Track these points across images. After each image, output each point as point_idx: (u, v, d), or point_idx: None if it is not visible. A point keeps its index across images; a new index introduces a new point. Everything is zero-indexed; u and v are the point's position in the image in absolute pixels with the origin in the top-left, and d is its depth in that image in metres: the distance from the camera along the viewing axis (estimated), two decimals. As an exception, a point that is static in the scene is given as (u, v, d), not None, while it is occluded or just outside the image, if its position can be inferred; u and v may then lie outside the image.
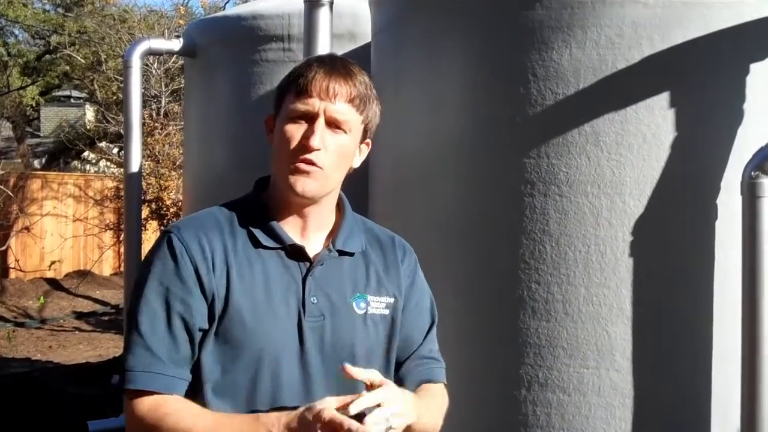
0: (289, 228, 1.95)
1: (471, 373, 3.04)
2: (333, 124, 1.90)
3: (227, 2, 20.44)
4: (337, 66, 1.94)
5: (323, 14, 3.43)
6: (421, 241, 3.22)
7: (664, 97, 2.82)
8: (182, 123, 10.01)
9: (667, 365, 2.85)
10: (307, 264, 1.94)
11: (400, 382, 2.04)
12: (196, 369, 1.86)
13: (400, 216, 3.38)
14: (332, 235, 2.00)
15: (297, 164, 1.87)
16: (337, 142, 1.90)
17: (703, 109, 2.85)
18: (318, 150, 1.86)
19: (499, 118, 3.04)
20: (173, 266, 1.87)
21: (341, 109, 1.90)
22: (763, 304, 2.66)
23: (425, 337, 2.11)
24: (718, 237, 2.83)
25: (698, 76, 2.85)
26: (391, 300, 2.01)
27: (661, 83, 2.83)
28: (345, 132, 1.91)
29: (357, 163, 2.02)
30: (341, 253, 1.98)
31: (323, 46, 3.40)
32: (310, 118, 1.89)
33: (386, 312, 2.00)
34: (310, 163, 1.86)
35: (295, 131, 1.89)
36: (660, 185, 2.81)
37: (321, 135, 1.87)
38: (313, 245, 1.97)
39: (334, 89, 1.89)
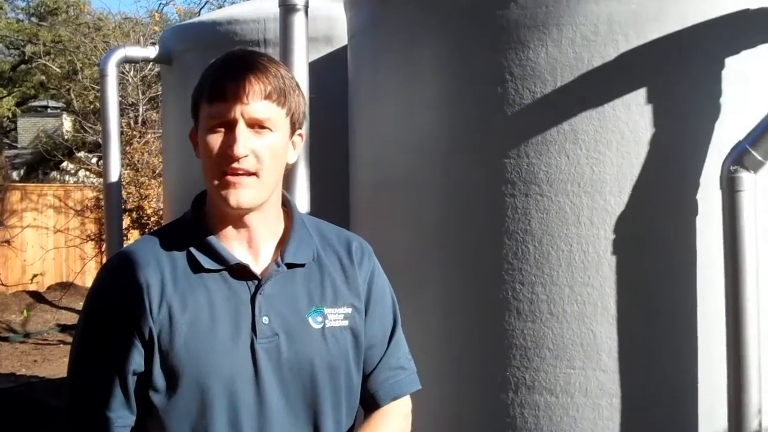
0: (235, 243, 1.84)
1: (457, 377, 3.04)
2: (255, 125, 1.77)
3: (202, 8, 20.42)
4: (246, 63, 1.81)
5: (298, 18, 3.41)
6: (403, 243, 3.23)
7: (641, 94, 2.81)
8: (160, 131, 9.97)
9: (653, 363, 2.84)
10: (256, 282, 1.82)
11: (371, 398, 1.97)
12: (149, 407, 1.77)
13: (381, 218, 3.36)
14: (281, 244, 1.88)
15: (226, 177, 1.75)
16: (263, 144, 1.78)
17: (680, 105, 2.84)
18: (244, 157, 1.75)
19: (478, 119, 3.03)
20: (102, 313, 1.80)
21: (259, 108, 1.77)
22: (746, 298, 2.66)
23: (390, 340, 2.00)
24: (699, 232, 2.82)
25: (674, 71, 2.85)
26: (349, 310, 1.89)
27: (638, 79, 2.82)
28: (270, 130, 1.79)
29: (292, 158, 1.91)
30: (291, 265, 1.86)
31: (299, 50, 3.38)
32: (229, 124, 1.76)
33: (345, 323, 1.88)
34: (239, 173, 1.75)
35: (217, 141, 1.77)
36: (640, 182, 2.81)
37: (244, 141, 1.75)
38: (263, 257, 1.86)
39: (246, 89, 1.76)
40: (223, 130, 1.77)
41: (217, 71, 1.81)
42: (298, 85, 1.88)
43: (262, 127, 1.78)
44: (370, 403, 1.98)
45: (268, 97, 1.78)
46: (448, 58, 3.15)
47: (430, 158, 3.18)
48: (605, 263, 2.81)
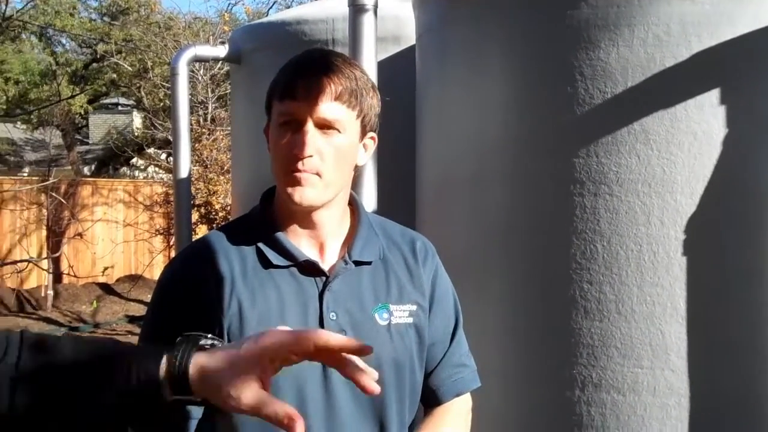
0: (302, 240, 1.86)
1: (524, 374, 3.04)
2: (324, 125, 1.77)
3: (270, 7, 20.62)
4: (319, 62, 1.81)
5: (368, 18, 3.43)
6: (469, 242, 3.24)
7: (714, 94, 2.79)
8: (229, 128, 10.10)
9: (723, 364, 2.82)
10: (324, 278, 1.83)
11: (433, 394, 1.99)
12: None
13: (448, 218, 3.38)
14: (348, 242, 1.90)
15: (291, 174, 1.77)
16: (331, 145, 1.78)
17: (754, 105, 2.81)
18: (309, 157, 1.75)
19: (547, 118, 3.03)
20: (171, 305, 1.82)
21: (329, 108, 1.77)
22: (820, 301, 2.62)
23: (452, 339, 2.02)
24: (772, 234, 2.79)
25: (748, 71, 2.82)
26: (414, 307, 1.90)
27: (711, 80, 2.79)
28: (338, 131, 1.79)
29: (362, 160, 1.91)
30: (358, 263, 1.87)
31: (368, 50, 3.41)
32: (297, 123, 1.77)
33: (410, 320, 1.89)
34: (304, 172, 1.76)
35: (285, 139, 1.78)
36: (712, 183, 2.78)
37: (311, 141, 1.75)
38: (330, 255, 1.87)
39: (317, 89, 1.76)
40: (292, 128, 1.78)
41: (291, 70, 1.82)
42: (373, 87, 1.88)
43: (330, 128, 1.78)
44: (431, 400, 2.00)
45: (338, 98, 1.78)
46: (518, 58, 3.15)
47: (497, 157, 3.18)
48: (675, 264, 2.79)
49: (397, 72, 4.27)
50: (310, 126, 1.76)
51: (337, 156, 1.80)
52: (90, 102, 23.82)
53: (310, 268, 1.83)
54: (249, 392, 1.27)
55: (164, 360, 1.32)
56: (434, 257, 2.02)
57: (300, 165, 1.76)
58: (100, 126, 25.80)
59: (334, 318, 1.81)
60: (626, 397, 2.81)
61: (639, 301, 2.81)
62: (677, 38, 2.80)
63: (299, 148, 1.75)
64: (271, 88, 1.86)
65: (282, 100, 1.80)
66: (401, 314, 1.89)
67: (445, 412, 2.01)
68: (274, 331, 1.34)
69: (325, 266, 1.85)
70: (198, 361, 1.32)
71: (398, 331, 1.88)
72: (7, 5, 9.57)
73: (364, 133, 1.89)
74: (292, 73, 1.81)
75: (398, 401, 1.88)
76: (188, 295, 1.80)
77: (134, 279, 16.04)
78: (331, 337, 1.32)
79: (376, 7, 3.43)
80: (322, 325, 1.79)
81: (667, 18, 2.80)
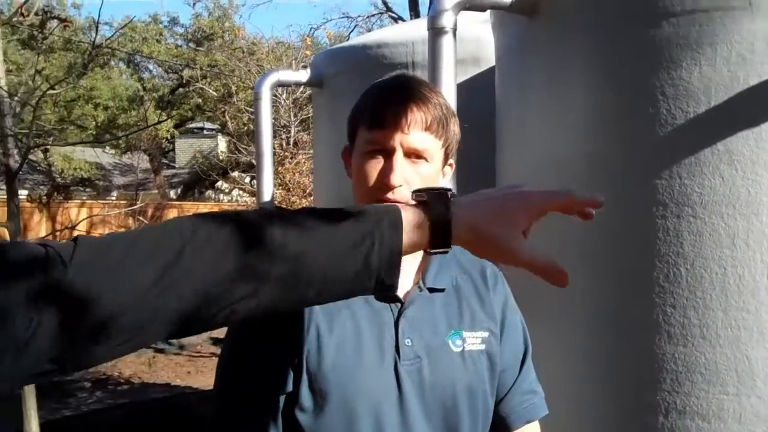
0: None
1: (606, 400, 2.99)
2: (412, 154, 1.78)
3: (351, 31, 20.83)
4: (407, 91, 1.81)
5: (447, 41, 3.44)
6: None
7: (801, 113, 2.72)
8: (311, 152, 10.21)
9: (814, 391, 2.72)
10: (398, 305, 1.84)
11: (502, 421, 1.98)
12: (295, 427, 1.78)
13: (529, 239, 3.35)
14: (422, 267, 1.91)
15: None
16: (418, 174, 1.79)
17: (844, 124, 2.73)
18: (399, 187, 1.76)
19: (629, 139, 2.99)
20: (251, 333, 1.80)
21: (418, 138, 1.77)
22: None
23: (522, 365, 2.03)
24: None
25: (838, 89, 2.74)
26: (486, 334, 1.91)
27: (798, 98, 2.73)
28: (426, 160, 1.80)
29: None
30: (432, 290, 1.89)
31: (447, 73, 3.42)
32: (387, 151, 1.77)
33: (482, 347, 1.90)
34: (393, 202, 1.73)
35: (373, 167, 1.78)
36: (799, 204, 2.71)
37: (400, 170, 1.76)
38: (404, 281, 1.84)
39: (408, 118, 1.76)
40: (380, 156, 1.79)
41: (378, 97, 1.83)
42: (454, 114, 1.89)
43: (418, 157, 1.79)
44: (501, 427, 2.00)
45: (428, 128, 1.79)
46: (598, 78, 3.12)
47: (577, 179, 3.15)
48: (762, 287, 2.72)
49: (477, 93, 4.27)
50: (399, 155, 1.77)
51: (424, 185, 1.78)
52: (176, 126, 24.35)
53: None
54: (525, 247, 1.38)
55: (416, 215, 1.34)
56: (504, 284, 2.03)
57: (390, 195, 1.76)
58: (185, 150, 26.35)
59: (410, 344, 1.82)
60: (711, 425, 2.74)
61: (724, 326, 2.74)
62: (761, 56, 2.73)
63: (389, 177, 1.76)
64: (354, 114, 1.87)
65: (371, 128, 1.80)
66: (474, 341, 1.89)
67: None
68: (533, 191, 1.41)
69: (400, 292, 1.86)
70: (461, 214, 1.35)
71: (471, 358, 1.88)
72: (96, 33, 9.93)
73: (445, 161, 1.90)
74: (378, 100, 1.82)
75: (472, 427, 1.88)
76: (266, 323, 1.79)
77: (218, 301, 16.23)
78: (581, 195, 1.44)
79: (455, 29, 3.44)
80: (398, 350, 1.80)
81: (750, 36, 2.75)
